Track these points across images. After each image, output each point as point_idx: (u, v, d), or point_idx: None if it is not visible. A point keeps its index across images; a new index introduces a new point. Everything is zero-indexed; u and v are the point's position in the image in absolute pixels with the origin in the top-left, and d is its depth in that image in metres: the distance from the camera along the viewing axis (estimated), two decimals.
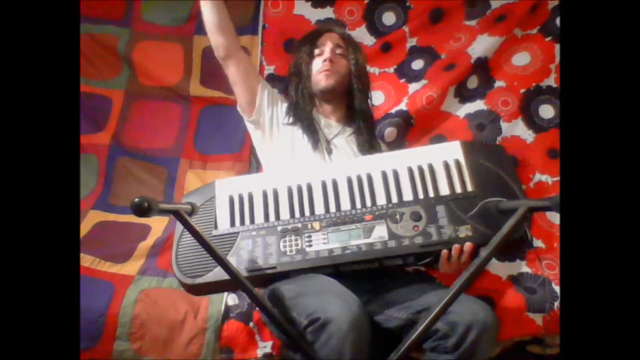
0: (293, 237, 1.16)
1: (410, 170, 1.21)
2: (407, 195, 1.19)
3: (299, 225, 1.18)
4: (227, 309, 1.49)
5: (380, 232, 1.14)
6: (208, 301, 1.50)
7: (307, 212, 1.20)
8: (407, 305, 1.16)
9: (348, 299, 1.01)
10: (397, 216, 1.15)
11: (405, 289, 1.22)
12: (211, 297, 1.50)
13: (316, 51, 1.56)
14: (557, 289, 1.51)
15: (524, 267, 1.62)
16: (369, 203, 1.19)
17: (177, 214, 0.97)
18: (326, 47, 1.55)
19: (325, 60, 1.52)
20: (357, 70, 1.56)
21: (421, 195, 1.18)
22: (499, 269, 1.61)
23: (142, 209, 0.82)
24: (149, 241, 1.77)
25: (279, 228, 1.18)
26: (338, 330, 0.93)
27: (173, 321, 1.45)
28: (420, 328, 0.94)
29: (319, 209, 1.20)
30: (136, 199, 0.82)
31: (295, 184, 1.24)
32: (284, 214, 1.21)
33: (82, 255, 1.64)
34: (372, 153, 1.48)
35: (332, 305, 0.98)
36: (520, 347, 1.53)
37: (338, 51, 1.56)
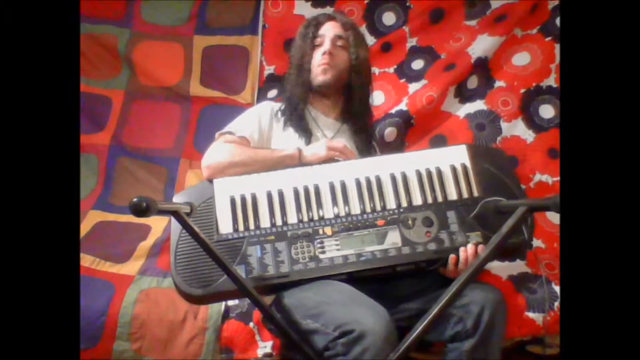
0: (305, 243, 1.11)
1: (419, 174, 1.19)
2: (417, 200, 1.17)
3: (310, 230, 1.13)
4: (227, 309, 1.49)
5: (393, 238, 1.13)
6: None
7: (315, 216, 1.15)
8: (417, 297, 1.17)
9: (379, 310, 1.00)
10: (410, 222, 1.14)
11: (412, 283, 1.22)
12: None
13: (317, 41, 1.46)
14: (557, 289, 1.51)
15: (524, 267, 1.62)
16: (378, 207, 1.16)
17: (176, 214, 0.96)
18: (326, 38, 1.45)
19: (324, 53, 1.43)
20: (357, 66, 1.46)
21: (430, 200, 1.17)
22: (499, 269, 1.61)
23: (141, 209, 0.82)
24: (149, 241, 1.77)
25: (289, 233, 1.13)
26: (374, 344, 0.92)
27: (173, 321, 1.45)
28: (419, 329, 0.93)
29: (328, 213, 1.16)
30: (135, 199, 0.82)
31: (302, 185, 1.18)
32: (292, 217, 1.15)
33: (82, 255, 1.64)
34: (369, 153, 1.47)
35: (365, 317, 0.96)
36: (520, 347, 1.52)
37: (339, 42, 1.45)
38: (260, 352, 1.43)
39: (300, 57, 1.46)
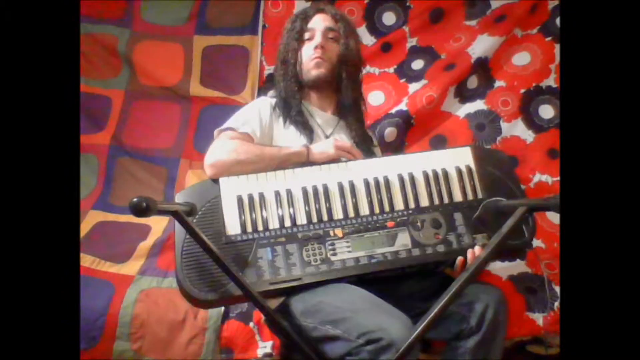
0: (316, 245, 1.09)
1: (426, 175, 1.19)
2: (424, 201, 1.17)
3: (321, 232, 1.11)
4: (227, 309, 1.49)
5: (403, 240, 1.12)
6: None
7: (325, 217, 1.13)
8: (419, 297, 1.17)
9: (403, 318, 0.99)
10: (419, 223, 1.14)
11: (415, 283, 1.21)
12: None
13: (306, 35, 1.40)
14: (557, 289, 1.51)
15: (524, 267, 1.63)
16: (387, 208, 1.15)
17: (176, 215, 0.96)
18: (317, 31, 1.39)
19: (316, 47, 1.37)
20: (345, 56, 1.39)
21: (437, 201, 1.17)
22: (499, 269, 1.61)
23: (141, 209, 0.81)
24: (149, 241, 1.78)
25: (299, 235, 1.10)
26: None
27: (173, 321, 1.45)
28: (420, 329, 0.93)
29: (338, 214, 1.14)
30: (134, 199, 0.81)
31: (310, 184, 1.16)
32: (301, 218, 1.12)
33: (82, 255, 1.64)
34: (367, 147, 1.45)
35: (392, 325, 0.95)
36: (520, 347, 1.53)
37: (330, 35, 1.39)
38: (260, 352, 1.43)
39: (289, 52, 1.40)
